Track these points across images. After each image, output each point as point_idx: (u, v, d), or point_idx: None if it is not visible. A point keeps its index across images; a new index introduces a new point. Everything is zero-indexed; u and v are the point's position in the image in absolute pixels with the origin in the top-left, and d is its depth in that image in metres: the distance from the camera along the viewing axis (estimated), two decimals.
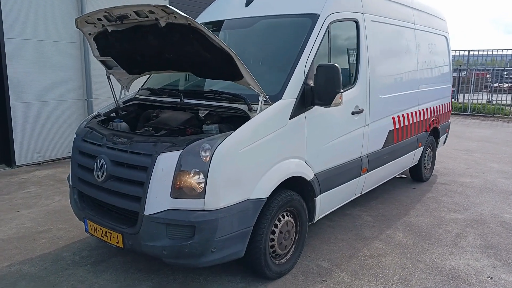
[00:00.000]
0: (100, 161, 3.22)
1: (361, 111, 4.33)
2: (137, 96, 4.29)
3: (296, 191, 3.58)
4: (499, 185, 6.52)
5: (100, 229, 3.28)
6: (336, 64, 3.40)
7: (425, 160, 6.51)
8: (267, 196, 3.21)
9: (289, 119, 3.41)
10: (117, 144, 3.24)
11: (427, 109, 6.13)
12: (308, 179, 3.63)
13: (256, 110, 3.24)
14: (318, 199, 3.82)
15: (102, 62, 3.97)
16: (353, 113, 4.22)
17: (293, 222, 3.62)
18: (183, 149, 2.92)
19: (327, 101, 3.43)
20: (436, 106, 6.53)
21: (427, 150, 6.54)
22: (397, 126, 5.20)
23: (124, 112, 4.10)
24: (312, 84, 3.54)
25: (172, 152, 2.94)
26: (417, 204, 5.55)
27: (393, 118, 5.12)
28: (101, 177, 3.20)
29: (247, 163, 3.09)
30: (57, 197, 5.55)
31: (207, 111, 3.52)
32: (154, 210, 2.92)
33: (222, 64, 3.12)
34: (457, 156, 8.63)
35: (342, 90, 3.41)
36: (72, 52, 7.64)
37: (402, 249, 4.17)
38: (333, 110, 3.79)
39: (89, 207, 3.53)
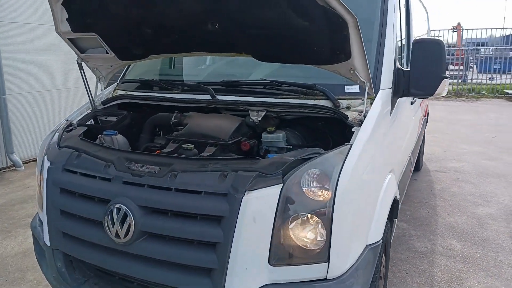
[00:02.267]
0: (119, 209, 1.87)
1: (414, 100, 3.47)
2: (121, 91, 2.90)
3: None
4: (490, 169, 6.20)
5: None
6: (441, 39, 2.45)
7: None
8: (382, 237, 2.18)
9: (389, 116, 2.39)
10: (143, 176, 1.92)
11: None
12: (398, 197, 2.66)
13: (348, 108, 2.19)
14: (396, 220, 2.89)
15: (72, 41, 2.52)
16: (411, 103, 3.34)
17: (384, 257, 2.64)
18: (283, 183, 1.74)
19: (428, 90, 2.43)
20: None
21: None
22: (422, 114, 4.47)
23: (111, 119, 2.70)
24: (402, 67, 2.55)
25: (265, 188, 1.73)
26: (436, 200, 4.93)
27: (420, 105, 4.36)
28: (125, 236, 1.86)
29: (367, 193, 2.01)
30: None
31: (264, 112, 2.33)
32: None
33: (318, 39, 1.96)
34: None
35: (448, 75, 2.47)
36: None
37: (474, 264, 3.44)
38: (405, 101, 2.87)
39: (87, 280, 2.15)
